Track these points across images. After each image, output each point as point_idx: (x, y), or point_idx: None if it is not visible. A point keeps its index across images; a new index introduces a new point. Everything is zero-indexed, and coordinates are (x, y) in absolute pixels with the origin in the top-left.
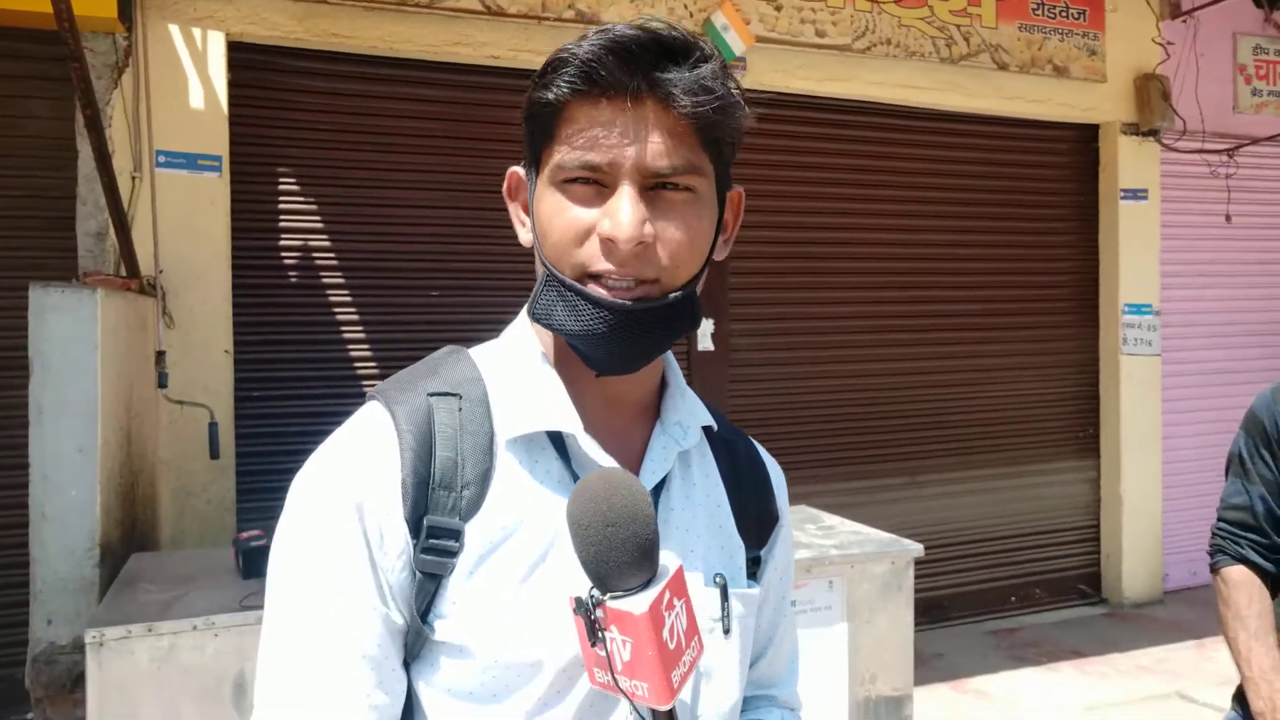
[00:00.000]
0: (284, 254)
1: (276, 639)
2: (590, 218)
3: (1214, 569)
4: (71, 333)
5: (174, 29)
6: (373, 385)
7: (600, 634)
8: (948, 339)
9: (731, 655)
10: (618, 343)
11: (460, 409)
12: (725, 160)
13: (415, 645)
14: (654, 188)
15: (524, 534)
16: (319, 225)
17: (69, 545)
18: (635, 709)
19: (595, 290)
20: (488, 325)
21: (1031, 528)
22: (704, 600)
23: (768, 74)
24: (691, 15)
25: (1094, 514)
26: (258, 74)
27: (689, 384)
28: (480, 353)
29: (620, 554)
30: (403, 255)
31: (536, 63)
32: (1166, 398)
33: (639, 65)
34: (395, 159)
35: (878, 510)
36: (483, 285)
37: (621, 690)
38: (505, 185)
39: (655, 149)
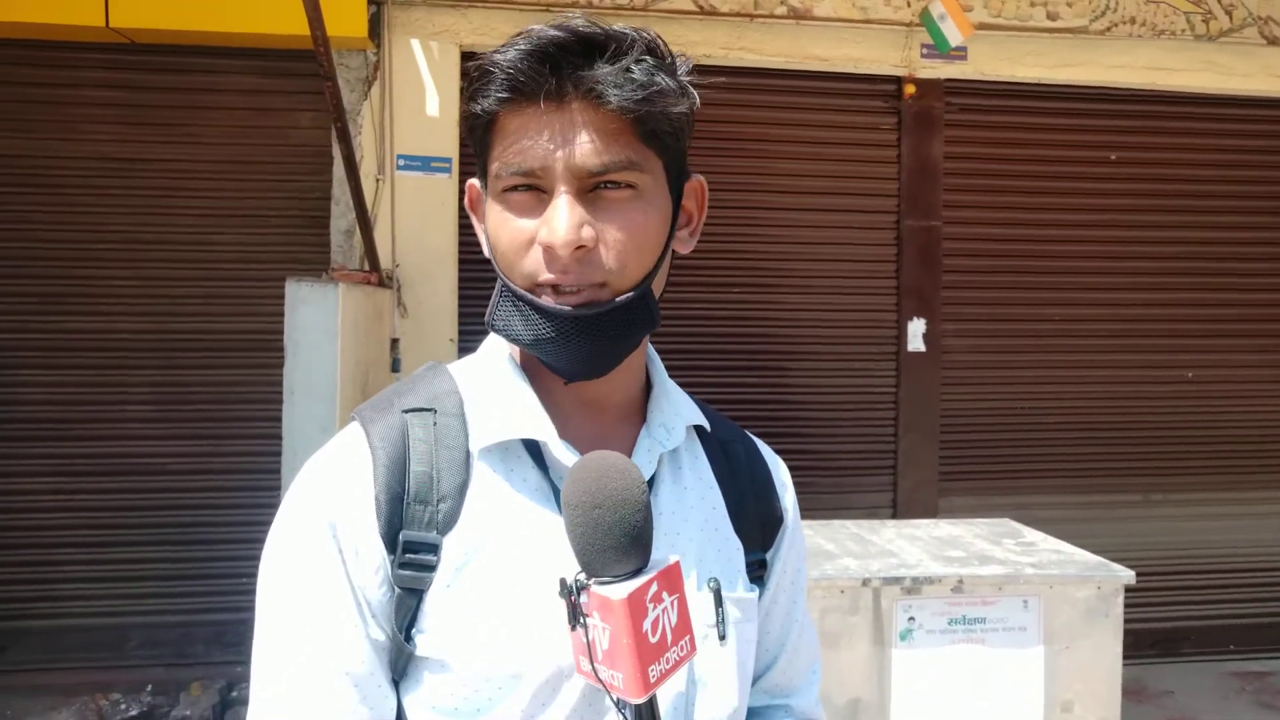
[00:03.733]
0: None
1: (261, 660)
2: (531, 227)
3: None
4: (317, 323)
5: (415, 43)
6: None
7: (582, 619)
8: (1199, 346)
9: (728, 662)
10: (571, 349)
11: (435, 423)
12: (674, 151)
13: (400, 662)
14: (594, 189)
15: (501, 544)
16: None
17: None
18: (619, 710)
19: (542, 299)
20: (692, 322)
21: None
22: (698, 606)
23: (992, 63)
24: (909, 4)
25: None
26: None
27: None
28: (458, 367)
29: (606, 538)
30: None
31: (749, 60)
32: None
33: (560, 66)
34: None
35: (1102, 528)
36: (681, 281)
37: (600, 680)
38: (467, 198)
39: (585, 149)
